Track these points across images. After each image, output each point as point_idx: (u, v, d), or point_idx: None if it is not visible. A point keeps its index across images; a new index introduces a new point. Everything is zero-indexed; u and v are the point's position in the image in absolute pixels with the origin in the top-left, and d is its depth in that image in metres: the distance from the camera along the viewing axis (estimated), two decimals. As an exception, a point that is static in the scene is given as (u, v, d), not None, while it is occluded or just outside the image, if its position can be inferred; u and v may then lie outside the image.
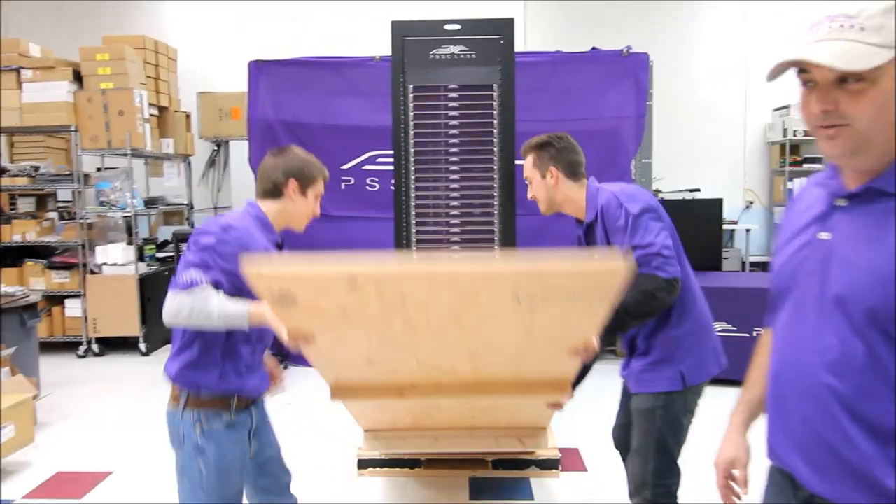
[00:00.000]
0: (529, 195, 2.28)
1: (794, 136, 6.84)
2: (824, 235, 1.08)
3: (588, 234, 2.19)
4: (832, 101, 1.00)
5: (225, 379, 1.84)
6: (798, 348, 1.09)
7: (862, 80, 0.96)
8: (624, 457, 2.35)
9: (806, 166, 7.04)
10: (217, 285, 1.73)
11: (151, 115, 5.75)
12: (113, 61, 5.34)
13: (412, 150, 3.22)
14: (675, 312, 2.06)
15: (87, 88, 5.36)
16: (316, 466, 3.36)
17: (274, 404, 4.36)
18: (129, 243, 5.67)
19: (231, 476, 1.86)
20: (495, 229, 3.25)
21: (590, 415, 3.41)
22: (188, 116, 6.38)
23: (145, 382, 4.87)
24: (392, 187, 4.93)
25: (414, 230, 3.26)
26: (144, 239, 6.25)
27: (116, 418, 4.16)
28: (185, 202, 6.72)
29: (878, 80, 0.96)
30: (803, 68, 1.04)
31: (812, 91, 1.05)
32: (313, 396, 4.30)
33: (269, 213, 1.96)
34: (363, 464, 3.23)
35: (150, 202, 6.24)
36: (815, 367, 1.05)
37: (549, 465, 3.19)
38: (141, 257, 5.72)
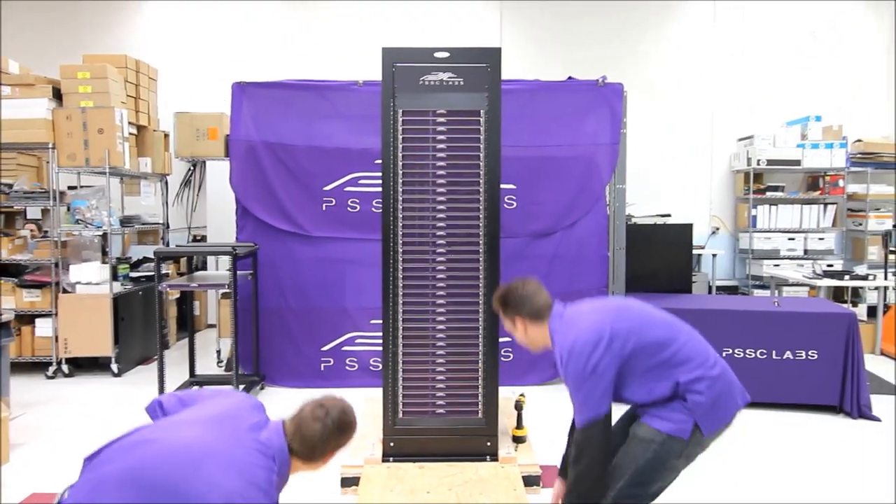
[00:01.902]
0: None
1: (758, 164, 7.13)
2: None
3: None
4: None
5: None
6: None
7: None
8: None
9: (769, 194, 7.33)
10: None
11: (130, 133, 5.74)
12: (94, 80, 5.34)
13: (401, 173, 3.30)
14: (683, 386, 2.12)
15: (67, 106, 5.34)
16: (298, 483, 3.36)
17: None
18: (104, 262, 5.61)
19: None
20: (480, 251, 3.33)
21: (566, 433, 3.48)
22: (167, 136, 6.38)
23: (118, 403, 4.80)
24: (373, 209, 5.05)
25: (401, 251, 3.33)
26: (118, 258, 6.19)
27: (90, 439, 4.09)
28: (161, 221, 6.68)
29: None
30: None
31: None
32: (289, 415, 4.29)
33: (295, 469, 1.91)
34: (347, 482, 3.26)
35: (126, 221, 6.20)
36: None
37: (530, 481, 3.26)
38: (115, 276, 5.66)
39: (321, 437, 1.84)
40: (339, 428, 1.88)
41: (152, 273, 5.30)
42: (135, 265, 6.28)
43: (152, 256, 4.89)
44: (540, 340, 2.35)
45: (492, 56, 3.25)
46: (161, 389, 4.38)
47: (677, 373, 2.13)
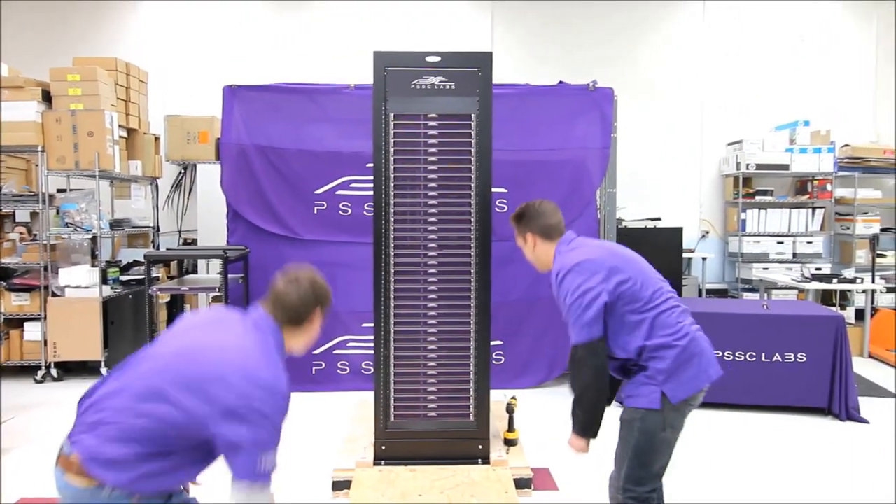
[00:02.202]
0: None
1: (747, 169, 7.18)
2: None
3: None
4: None
5: (166, 485, 1.76)
6: None
7: None
8: None
9: (758, 198, 7.39)
10: None
11: (121, 136, 5.72)
12: (84, 82, 5.32)
13: (392, 176, 3.30)
14: (648, 351, 2.24)
15: (57, 109, 5.31)
16: (290, 486, 3.36)
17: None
18: (94, 265, 5.58)
19: None
20: (472, 254, 3.35)
21: (560, 435, 3.50)
22: (157, 139, 6.36)
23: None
24: (364, 212, 5.05)
25: (392, 254, 3.34)
26: (107, 261, 6.15)
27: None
28: (151, 225, 6.65)
29: None
30: None
31: None
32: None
33: (288, 340, 1.95)
34: (338, 485, 3.25)
35: (116, 224, 6.17)
36: None
37: (521, 483, 3.27)
38: (104, 280, 5.63)
39: (299, 298, 1.93)
40: (313, 287, 1.98)
41: (142, 276, 5.28)
42: (125, 268, 6.24)
43: (142, 260, 4.88)
44: (545, 259, 2.48)
45: (483, 60, 3.27)
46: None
47: (648, 334, 2.24)
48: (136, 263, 6.39)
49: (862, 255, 7.30)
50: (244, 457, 1.64)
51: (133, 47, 7.36)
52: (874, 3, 7.78)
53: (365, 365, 5.07)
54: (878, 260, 6.94)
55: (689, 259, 7.40)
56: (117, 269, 6.00)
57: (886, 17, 7.79)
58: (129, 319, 5.88)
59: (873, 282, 6.36)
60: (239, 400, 1.64)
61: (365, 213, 5.06)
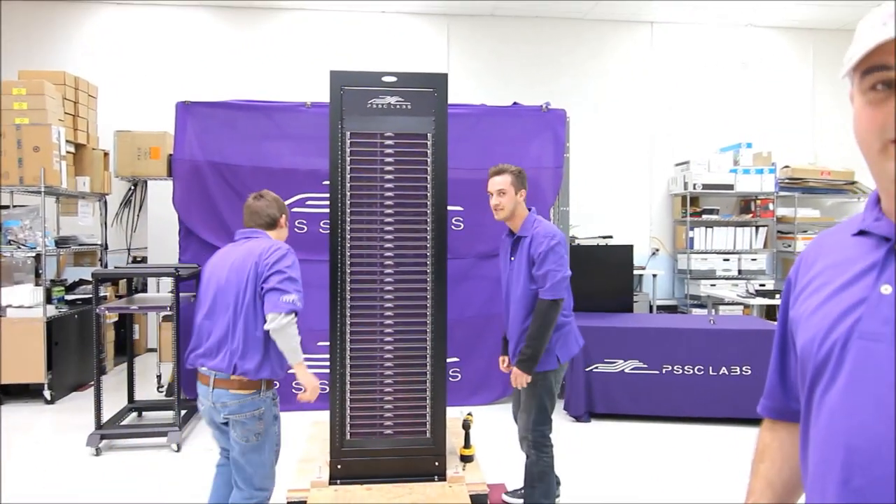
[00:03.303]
0: (495, 202, 3.14)
1: (694, 188, 7.44)
2: (887, 289, 0.85)
3: (515, 243, 3.14)
4: None
5: (273, 370, 2.65)
6: (876, 427, 0.82)
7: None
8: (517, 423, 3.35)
9: (705, 217, 7.65)
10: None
11: (68, 152, 5.58)
12: (30, 96, 5.18)
13: (348, 194, 3.32)
14: (561, 328, 3.11)
15: (1, 123, 5.15)
16: None
17: (196, 450, 4.26)
18: (37, 284, 5.40)
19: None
20: (428, 272, 3.37)
21: (514, 451, 3.54)
22: (106, 154, 6.22)
23: (52, 431, 4.61)
24: (321, 230, 5.04)
25: (349, 272, 3.34)
26: (52, 280, 5.96)
27: (19, 469, 3.91)
28: (99, 242, 6.48)
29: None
30: (877, 66, 0.82)
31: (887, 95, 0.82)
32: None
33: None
34: (294, 506, 3.21)
35: (62, 242, 5.98)
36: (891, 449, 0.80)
37: (478, 499, 3.28)
38: (49, 299, 5.45)
39: (268, 205, 2.83)
40: (276, 199, 2.90)
41: (89, 296, 5.13)
42: (70, 287, 6.06)
43: (89, 278, 4.74)
44: (518, 214, 3.13)
45: (438, 81, 3.32)
46: (97, 416, 4.22)
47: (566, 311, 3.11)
48: (82, 282, 6.21)
49: (802, 272, 7.59)
50: (275, 287, 2.56)
51: (82, 61, 7.21)
52: (811, 31, 8.20)
53: (320, 384, 5.02)
54: (818, 276, 7.22)
55: (640, 276, 7.59)
56: (62, 289, 5.82)
57: (822, 45, 8.22)
58: (74, 340, 5.69)
59: (813, 297, 6.61)
60: (273, 255, 2.62)
61: (321, 230, 5.04)
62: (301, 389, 2.84)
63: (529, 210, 3.15)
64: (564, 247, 3.05)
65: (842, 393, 0.87)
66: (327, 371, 3.47)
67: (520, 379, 3.03)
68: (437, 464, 3.37)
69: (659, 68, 8.04)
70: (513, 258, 3.16)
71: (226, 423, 2.66)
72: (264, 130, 5.06)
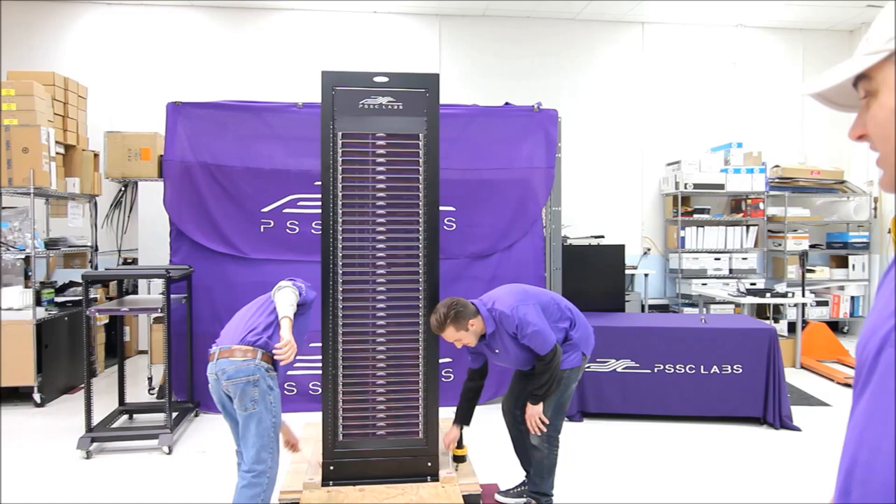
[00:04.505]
0: (460, 346, 3.19)
1: (685, 188, 7.47)
2: None
3: (492, 338, 3.15)
4: (861, 124, 0.86)
5: (266, 343, 2.87)
6: (879, 441, 0.80)
7: (868, 95, 0.83)
8: (508, 421, 3.46)
9: (696, 216, 7.68)
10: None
11: (58, 153, 5.55)
12: (19, 97, 5.14)
13: (340, 195, 3.31)
14: (576, 329, 3.27)
15: (-11, 124, 5.12)
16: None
17: (187, 453, 4.25)
18: (27, 286, 5.36)
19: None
20: (420, 272, 3.37)
21: (507, 451, 3.55)
22: (96, 156, 6.18)
23: (42, 434, 4.57)
24: (312, 231, 5.02)
25: (340, 272, 3.33)
26: (42, 282, 5.92)
27: (9, 473, 3.88)
28: (89, 244, 6.44)
29: (877, 91, 0.82)
30: None
31: None
32: (225, 443, 4.20)
33: None
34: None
35: (51, 243, 5.94)
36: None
37: (471, 500, 3.28)
38: (38, 301, 5.41)
39: None
40: None
41: (79, 298, 5.10)
42: (60, 289, 6.02)
43: (79, 280, 4.71)
44: (479, 330, 3.11)
45: (430, 82, 3.32)
46: (88, 419, 4.19)
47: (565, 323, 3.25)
48: (72, 284, 6.17)
49: (793, 271, 7.66)
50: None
51: (72, 61, 7.17)
52: (800, 31, 8.25)
53: (313, 385, 5.02)
54: (808, 275, 7.29)
55: (632, 276, 7.61)
56: (52, 290, 5.78)
57: (812, 45, 8.27)
58: (64, 342, 5.66)
59: (803, 296, 6.67)
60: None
61: (313, 231, 5.03)
62: (292, 389, 2.88)
63: (477, 309, 3.12)
64: (527, 303, 3.10)
65: (865, 402, 0.83)
66: (319, 372, 3.46)
67: (538, 412, 3.14)
68: (429, 464, 3.37)
69: (650, 68, 8.07)
70: (497, 350, 3.20)
71: (230, 399, 2.83)
72: (256, 131, 5.04)
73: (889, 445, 0.77)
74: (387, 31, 7.69)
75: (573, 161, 7.19)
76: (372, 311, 3.35)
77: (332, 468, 3.32)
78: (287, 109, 5.04)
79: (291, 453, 3.27)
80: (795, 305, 6.59)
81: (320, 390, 3.45)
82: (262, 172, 5.04)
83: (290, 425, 3.20)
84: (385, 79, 3.28)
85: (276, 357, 2.80)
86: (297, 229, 5.08)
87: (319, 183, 3.37)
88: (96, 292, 6.48)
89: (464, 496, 3.25)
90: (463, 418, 3.40)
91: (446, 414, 3.47)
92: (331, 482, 3.30)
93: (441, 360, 3.45)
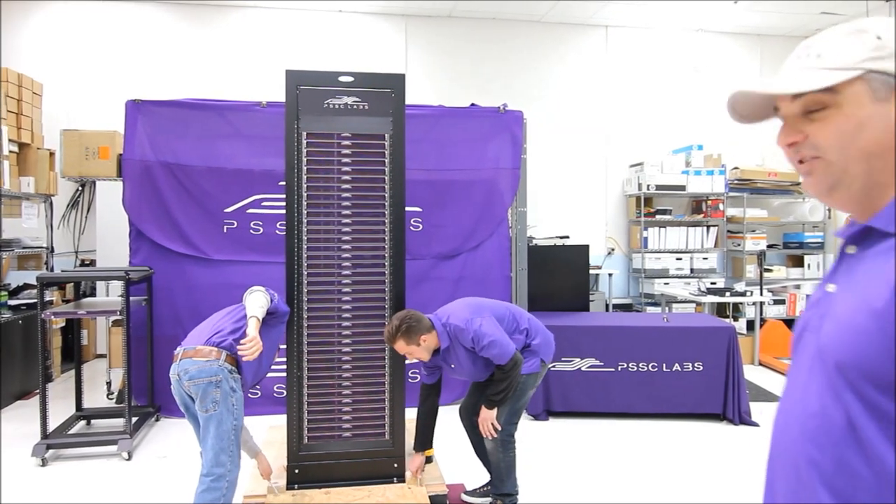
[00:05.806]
0: (411, 359, 3.18)
1: (648, 189, 7.59)
2: (831, 288, 0.91)
3: (447, 353, 3.14)
4: (798, 132, 0.91)
5: (230, 344, 2.86)
6: (787, 413, 0.92)
7: (825, 107, 0.88)
8: (465, 426, 3.46)
9: (658, 217, 7.81)
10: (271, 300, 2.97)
11: (11, 151, 5.37)
12: (-31, 93, 4.97)
13: (305, 195, 3.28)
14: (534, 338, 3.27)
15: (-63, 121, 4.93)
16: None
17: (147, 458, 4.16)
18: (-22, 289, 5.18)
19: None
20: (386, 273, 3.36)
21: (473, 451, 3.55)
22: (52, 154, 6.00)
23: (-5, 442, 4.42)
24: (276, 231, 4.97)
25: (305, 273, 3.30)
26: (-6, 284, 5.73)
27: (-38, 483, 3.75)
28: (45, 245, 6.25)
29: (842, 104, 0.87)
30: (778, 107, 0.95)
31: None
32: (187, 447, 4.12)
33: None
34: (250, 513, 3.15)
35: (5, 245, 5.75)
36: (797, 436, 0.88)
37: (437, 500, 3.28)
38: (-9, 304, 5.24)
39: None
40: None
41: (34, 300, 4.94)
42: (14, 292, 5.84)
43: (34, 282, 4.57)
44: (436, 343, 3.09)
45: (396, 82, 3.31)
46: (43, 425, 4.07)
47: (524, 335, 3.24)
48: (27, 287, 5.99)
49: (751, 270, 7.84)
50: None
51: (28, 57, 6.96)
52: (759, 37, 8.46)
53: (277, 388, 4.96)
54: (766, 274, 7.48)
55: (597, 275, 7.70)
56: (6, 293, 5.60)
57: (770, 51, 8.49)
58: (18, 347, 5.48)
59: (762, 294, 6.85)
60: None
61: (277, 232, 4.97)
62: (256, 392, 2.88)
63: (433, 324, 3.10)
64: (482, 315, 3.08)
65: (786, 382, 0.95)
66: (284, 374, 3.42)
67: (491, 416, 3.12)
68: (396, 465, 3.37)
69: (614, 71, 8.18)
70: (453, 365, 3.19)
71: (192, 400, 2.79)
72: (218, 130, 4.96)
73: (794, 419, 0.89)
74: (352, 30, 7.65)
75: (539, 162, 7.24)
76: (337, 312, 3.33)
77: (297, 471, 3.28)
78: (251, 108, 4.98)
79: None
80: (754, 304, 6.75)
81: (285, 393, 3.41)
82: (224, 172, 4.96)
83: (268, 459, 3.22)
84: (350, 78, 3.26)
85: (239, 352, 2.76)
86: (261, 230, 5.02)
87: (284, 183, 3.33)
88: (52, 295, 6.30)
89: (430, 496, 3.25)
90: (423, 444, 3.35)
91: (412, 415, 3.46)
92: (296, 485, 3.26)
93: (407, 361, 3.44)
